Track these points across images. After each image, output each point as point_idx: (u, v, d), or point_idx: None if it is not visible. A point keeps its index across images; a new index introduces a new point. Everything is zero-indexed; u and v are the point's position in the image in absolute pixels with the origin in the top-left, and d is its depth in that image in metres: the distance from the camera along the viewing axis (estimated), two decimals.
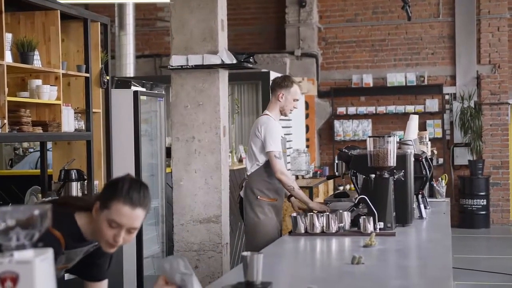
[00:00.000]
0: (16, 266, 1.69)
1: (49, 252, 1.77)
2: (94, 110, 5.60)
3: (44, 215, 1.76)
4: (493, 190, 12.33)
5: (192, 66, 5.52)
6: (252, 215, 5.12)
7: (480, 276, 8.34)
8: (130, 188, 2.52)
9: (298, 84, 5.33)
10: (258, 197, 5.11)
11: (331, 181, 11.10)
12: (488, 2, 12.38)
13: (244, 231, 5.34)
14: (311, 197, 8.94)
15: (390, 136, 4.36)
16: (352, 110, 12.70)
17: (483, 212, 12.07)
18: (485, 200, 12.06)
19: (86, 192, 5.51)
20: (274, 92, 5.25)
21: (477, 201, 12.04)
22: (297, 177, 10.02)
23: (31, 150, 8.79)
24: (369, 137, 4.40)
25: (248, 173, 5.23)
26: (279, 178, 5.01)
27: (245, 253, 2.70)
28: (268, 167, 5.12)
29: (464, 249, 10.18)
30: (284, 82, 5.23)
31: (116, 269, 5.47)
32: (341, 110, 12.76)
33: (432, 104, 12.45)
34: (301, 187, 8.93)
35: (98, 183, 5.69)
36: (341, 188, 11.98)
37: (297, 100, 5.26)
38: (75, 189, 5.31)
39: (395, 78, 12.58)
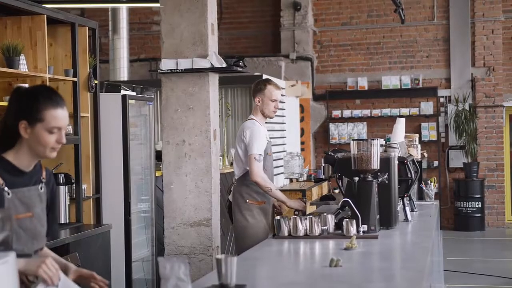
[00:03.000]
0: None
1: (11, 256, 1.79)
2: (82, 114, 5.62)
3: (5, 218, 1.78)
4: (488, 192, 12.34)
5: (182, 70, 5.54)
6: (241, 219, 5.17)
7: (474, 279, 8.35)
8: (50, 94, 2.68)
9: (275, 85, 5.38)
10: (247, 200, 5.19)
11: (325, 184, 11.11)
12: (482, 5, 12.40)
13: (234, 233, 5.38)
14: (303, 201, 8.95)
15: (373, 139, 4.37)
16: (347, 113, 12.72)
17: (478, 215, 12.08)
18: (480, 202, 12.06)
19: (74, 196, 5.52)
20: (253, 97, 5.39)
21: (472, 204, 12.04)
22: (291, 180, 10.04)
23: None
24: (353, 140, 4.42)
25: (236, 177, 5.30)
26: (255, 181, 5.10)
27: (218, 256, 2.72)
28: None
29: (459, 252, 10.19)
30: (258, 86, 5.36)
31: (105, 272, 5.48)
32: (336, 113, 12.78)
33: (427, 107, 12.46)
34: (294, 190, 9.02)
35: (86, 187, 5.71)
36: (337, 191, 11.98)
37: (275, 100, 5.32)
38: (63, 193, 5.32)
39: (390, 81, 12.60)
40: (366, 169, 4.33)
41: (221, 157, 8.14)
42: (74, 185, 5.47)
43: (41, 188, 2.77)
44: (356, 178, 4.34)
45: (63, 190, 5.32)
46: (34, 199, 2.72)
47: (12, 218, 1.82)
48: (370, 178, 4.34)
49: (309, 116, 12.56)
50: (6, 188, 2.61)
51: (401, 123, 5.50)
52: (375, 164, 4.33)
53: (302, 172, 9.99)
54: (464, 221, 12.07)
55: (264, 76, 9.78)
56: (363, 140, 4.39)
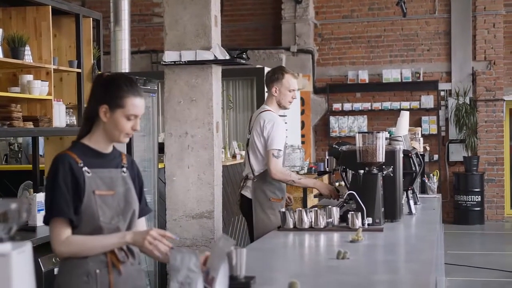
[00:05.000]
0: None
1: (27, 245, 1.80)
2: (86, 106, 5.61)
3: (21, 209, 1.79)
4: (488, 186, 12.36)
5: (185, 62, 5.52)
6: (264, 217, 4.98)
7: (474, 272, 8.37)
8: (131, 83, 2.83)
9: (292, 74, 5.14)
10: (270, 198, 4.99)
11: (326, 177, 11.12)
12: None
13: (254, 231, 5.10)
14: (305, 193, 8.94)
15: (379, 132, 4.37)
16: (347, 106, 12.72)
17: (478, 209, 12.10)
18: (479, 196, 12.08)
19: None
20: (268, 87, 5.13)
21: (471, 198, 12.06)
22: None
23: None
24: (358, 133, 4.41)
25: (256, 173, 5.05)
26: (275, 178, 4.89)
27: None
28: None
29: (459, 245, 10.21)
30: (275, 75, 5.10)
31: None
32: (336, 106, 12.78)
33: (428, 101, 12.47)
34: None
35: None
36: (337, 184, 12.00)
37: (293, 90, 5.10)
38: None
39: (391, 75, 12.60)
40: (371, 162, 4.34)
41: (223, 150, 8.14)
42: None
43: (124, 172, 2.89)
44: (362, 171, 4.34)
45: None
46: (116, 180, 2.85)
47: (26, 208, 1.82)
48: (375, 171, 4.35)
49: (310, 109, 12.56)
50: (85, 168, 2.76)
51: (405, 116, 5.50)
52: (381, 157, 4.34)
53: (303, 165, 10.00)
54: (464, 215, 12.09)
55: (267, 69, 9.78)
56: (368, 133, 4.39)
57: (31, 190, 5.36)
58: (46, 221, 2.77)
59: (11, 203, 1.75)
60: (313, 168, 10.80)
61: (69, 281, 2.77)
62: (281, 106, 5.13)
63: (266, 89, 5.24)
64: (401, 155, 4.62)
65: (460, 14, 12.44)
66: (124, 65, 10.70)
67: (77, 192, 2.73)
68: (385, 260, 3.44)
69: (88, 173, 2.76)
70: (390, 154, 4.48)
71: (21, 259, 1.75)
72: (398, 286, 2.80)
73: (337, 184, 12.04)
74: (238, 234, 7.44)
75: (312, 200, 9.17)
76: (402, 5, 9.66)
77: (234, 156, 8.00)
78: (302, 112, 12.30)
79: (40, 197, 5.03)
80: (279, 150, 4.90)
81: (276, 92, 5.07)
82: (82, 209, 2.74)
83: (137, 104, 2.79)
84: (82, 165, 2.75)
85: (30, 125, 4.84)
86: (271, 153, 4.89)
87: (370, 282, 2.88)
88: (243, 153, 8.25)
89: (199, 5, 5.58)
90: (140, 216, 2.96)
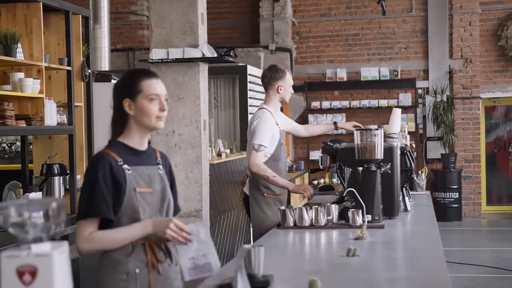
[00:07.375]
0: (34, 259, 1.68)
1: (65, 245, 1.76)
2: (76, 104, 5.54)
3: (61, 207, 1.75)
4: (465, 183, 12.48)
5: (172, 59, 5.48)
6: (260, 213, 5.03)
7: (453, 268, 8.44)
8: (143, 70, 2.88)
9: (288, 70, 5.30)
10: (265, 194, 5.05)
11: (306, 175, 11.15)
12: None
13: (252, 227, 5.20)
14: (288, 192, 8.89)
15: (377, 129, 4.38)
16: (326, 104, 12.75)
17: (455, 205, 12.22)
18: (457, 193, 12.20)
19: (68, 187, 5.45)
20: (271, 85, 5.18)
21: (449, 194, 12.17)
22: None
23: (4, 144, 8.68)
24: (357, 130, 4.42)
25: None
26: (251, 171, 4.97)
27: (247, 246, 2.70)
28: (270, 163, 5.02)
29: None
30: (278, 73, 5.17)
31: None
32: (315, 104, 12.80)
33: (405, 98, 12.55)
34: None
35: (80, 178, 5.63)
36: (315, 182, 12.03)
37: (291, 85, 5.27)
38: (57, 183, 5.25)
39: (369, 73, 12.65)
40: (369, 159, 4.34)
41: (209, 148, 8.10)
42: (68, 176, 5.39)
43: (160, 169, 2.86)
44: (360, 168, 4.34)
45: (57, 181, 5.24)
46: (154, 177, 2.83)
47: (66, 207, 1.79)
48: (373, 168, 4.35)
49: (288, 108, 12.55)
50: (125, 166, 2.75)
51: (397, 114, 5.51)
52: (379, 154, 4.34)
53: (286, 163, 9.98)
54: (442, 212, 12.16)
55: (250, 68, 9.78)
56: (366, 130, 4.39)
57: (20, 190, 5.28)
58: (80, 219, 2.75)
59: (52, 202, 1.71)
60: (294, 166, 10.82)
61: (109, 280, 2.75)
62: (283, 102, 5.26)
63: (266, 88, 5.23)
64: (399, 152, 4.64)
65: (437, 12, 12.54)
66: (104, 63, 10.60)
67: (117, 191, 2.72)
68: (394, 257, 3.44)
69: (128, 170, 2.75)
70: (388, 151, 4.49)
71: (61, 258, 1.72)
72: (417, 283, 2.80)
73: (315, 182, 12.08)
74: (225, 233, 7.41)
75: (294, 198, 9.17)
76: (382, 3, 9.69)
77: (219, 155, 7.97)
78: (281, 110, 12.27)
79: (33, 197, 4.96)
80: (260, 144, 4.96)
81: (280, 90, 5.16)
82: (123, 207, 2.72)
83: (153, 83, 2.79)
84: (121, 163, 2.74)
85: (22, 123, 4.76)
86: (252, 146, 4.97)
87: (386, 279, 2.88)
88: (228, 151, 8.25)
89: (185, 3, 5.55)
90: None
